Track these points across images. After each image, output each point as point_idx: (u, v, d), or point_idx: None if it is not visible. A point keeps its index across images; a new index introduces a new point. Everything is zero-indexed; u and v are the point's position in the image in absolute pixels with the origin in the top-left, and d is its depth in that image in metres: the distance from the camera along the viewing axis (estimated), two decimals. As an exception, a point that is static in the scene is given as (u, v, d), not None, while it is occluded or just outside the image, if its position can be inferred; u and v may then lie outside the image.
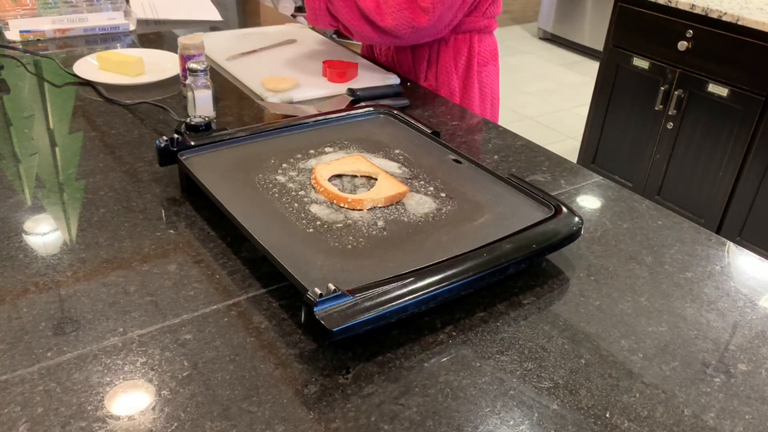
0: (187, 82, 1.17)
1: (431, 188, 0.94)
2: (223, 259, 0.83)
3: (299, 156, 0.99)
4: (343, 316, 0.66)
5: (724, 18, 2.19)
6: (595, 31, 4.61)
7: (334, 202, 0.88)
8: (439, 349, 0.72)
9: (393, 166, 0.98)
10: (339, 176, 0.94)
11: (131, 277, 0.79)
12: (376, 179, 0.93)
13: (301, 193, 0.90)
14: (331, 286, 0.67)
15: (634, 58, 2.52)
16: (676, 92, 2.40)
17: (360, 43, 1.53)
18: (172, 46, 1.56)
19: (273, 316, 0.75)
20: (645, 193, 2.59)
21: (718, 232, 2.29)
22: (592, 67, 4.50)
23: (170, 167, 0.97)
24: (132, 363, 0.67)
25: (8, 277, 0.78)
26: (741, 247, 0.94)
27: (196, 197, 0.96)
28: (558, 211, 0.87)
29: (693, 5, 2.27)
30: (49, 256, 0.83)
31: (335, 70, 1.37)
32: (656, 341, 0.75)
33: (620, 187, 1.08)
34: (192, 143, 0.96)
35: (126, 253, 0.84)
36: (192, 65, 1.15)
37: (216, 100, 1.29)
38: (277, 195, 0.89)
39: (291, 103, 1.29)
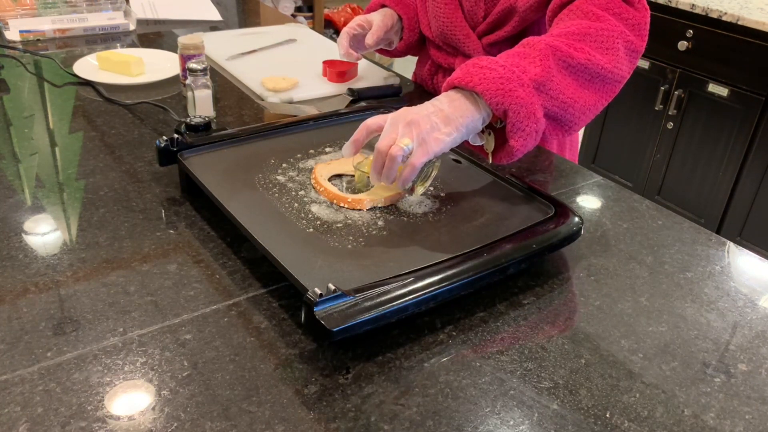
0: (187, 82, 1.17)
1: (431, 188, 0.93)
2: (223, 259, 0.83)
3: (299, 156, 0.99)
4: (343, 316, 0.66)
5: (724, 18, 2.19)
6: (595, 31, 4.60)
7: (334, 202, 0.88)
8: (439, 349, 0.72)
9: (393, 166, 0.98)
10: (339, 176, 0.94)
11: (131, 277, 0.79)
12: (376, 179, 0.93)
13: (301, 193, 0.90)
14: (331, 286, 0.67)
15: (634, 58, 2.52)
16: (676, 92, 2.40)
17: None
18: (172, 46, 1.56)
19: (273, 316, 0.75)
20: (645, 193, 2.59)
21: (718, 232, 2.29)
22: (592, 67, 4.49)
23: (170, 167, 0.97)
24: (132, 363, 0.67)
25: (8, 277, 0.78)
26: (741, 247, 0.94)
27: (196, 197, 0.96)
28: (558, 211, 0.88)
29: (693, 5, 2.27)
30: (49, 256, 0.83)
31: (335, 70, 1.37)
32: (656, 341, 0.75)
33: (620, 187, 1.08)
34: (192, 143, 0.96)
35: (126, 253, 0.84)
36: (192, 65, 1.15)
37: (216, 100, 1.29)
38: (277, 195, 0.89)
39: (291, 103, 1.29)
